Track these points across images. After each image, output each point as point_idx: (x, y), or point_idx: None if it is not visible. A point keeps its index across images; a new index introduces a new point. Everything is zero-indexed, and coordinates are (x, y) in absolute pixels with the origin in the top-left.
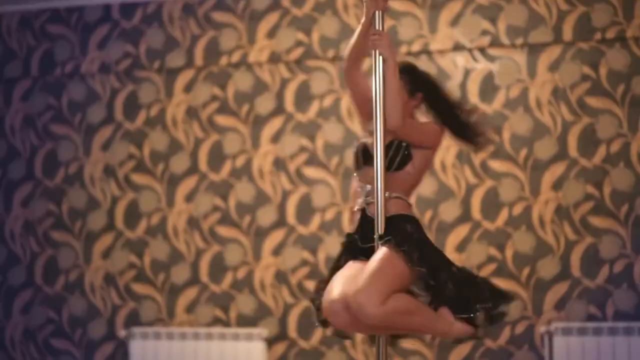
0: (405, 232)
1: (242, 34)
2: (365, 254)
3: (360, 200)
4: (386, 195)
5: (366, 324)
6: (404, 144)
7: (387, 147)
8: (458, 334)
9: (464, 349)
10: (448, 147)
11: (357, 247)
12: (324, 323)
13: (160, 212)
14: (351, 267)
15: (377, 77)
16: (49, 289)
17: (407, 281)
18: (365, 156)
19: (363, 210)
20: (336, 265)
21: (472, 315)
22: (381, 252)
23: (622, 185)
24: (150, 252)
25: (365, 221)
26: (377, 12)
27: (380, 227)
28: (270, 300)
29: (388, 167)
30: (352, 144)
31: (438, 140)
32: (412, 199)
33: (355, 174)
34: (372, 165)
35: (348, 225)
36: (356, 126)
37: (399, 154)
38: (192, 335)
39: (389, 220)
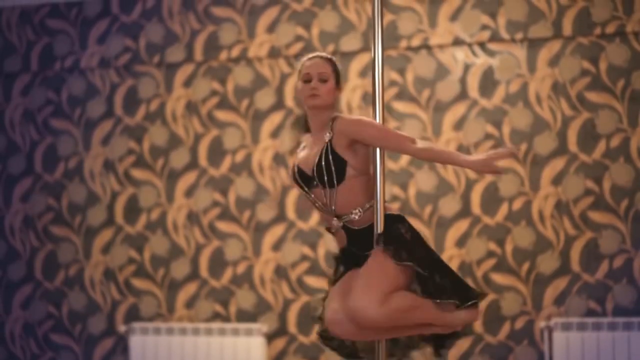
0: (394, 232)
1: (241, 28)
2: (360, 264)
3: (335, 222)
4: (357, 212)
5: (371, 328)
6: (330, 156)
7: (319, 168)
8: (465, 321)
9: (464, 344)
10: (448, 141)
11: (353, 258)
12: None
13: (160, 207)
14: (348, 277)
15: (377, 74)
16: (49, 284)
17: (402, 278)
18: (308, 180)
19: (344, 226)
20: (334, 279)
21: (475, 301)
22: (372, 255)
23: (621, 181)
24: (150, 247)
25: (351, 233)
26: (376, 3)
27: (379, 228)
28: (270, 296)
29: (330, 185)
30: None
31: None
32: (411, 193)
33: (304, 197)
34: (317, 184)
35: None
36: None
37: (332, 166)
38: (192, 331)
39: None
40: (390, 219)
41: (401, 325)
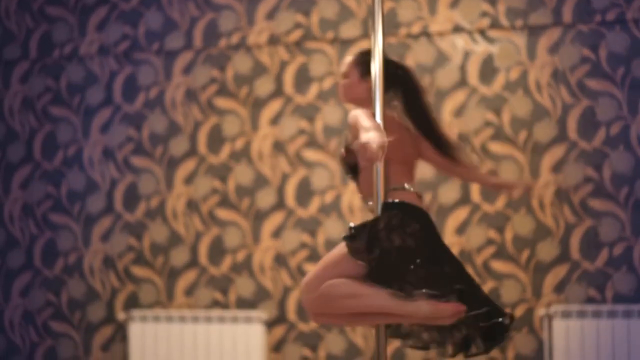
0: (370, 222)
1: (241, 15)
2: None
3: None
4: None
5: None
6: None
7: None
8: (429, 313)
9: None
10: (449, 128)
11: None
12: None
13: (159, 194)
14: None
15: (377, 65)
16: (48, 272)
17: (356, 271)
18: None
19: None
20: None
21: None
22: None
23: (621, 168)
24: (149, 234)
25: None
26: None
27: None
28: (270, 283)
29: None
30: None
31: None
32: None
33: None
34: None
35: (349, 209)
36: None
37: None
38: (191, 318)
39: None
40: (389, 208)
41: (341, 311)
